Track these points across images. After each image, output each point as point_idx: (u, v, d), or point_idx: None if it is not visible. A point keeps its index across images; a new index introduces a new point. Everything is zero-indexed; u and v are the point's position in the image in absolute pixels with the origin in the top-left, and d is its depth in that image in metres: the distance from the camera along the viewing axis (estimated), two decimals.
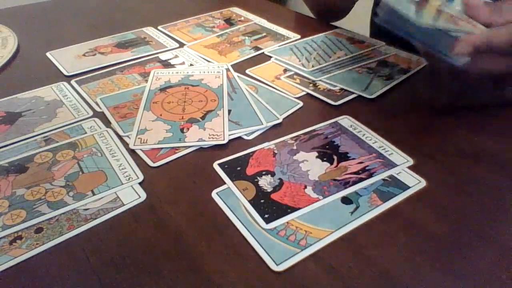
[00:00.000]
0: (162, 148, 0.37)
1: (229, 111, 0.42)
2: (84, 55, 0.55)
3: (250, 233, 0.29)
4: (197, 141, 0.37)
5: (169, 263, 0.27)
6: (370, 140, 0.37)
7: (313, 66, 0.50)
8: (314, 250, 0.28)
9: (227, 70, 0.49)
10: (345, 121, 0.40)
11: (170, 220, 0.30)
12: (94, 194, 0.32)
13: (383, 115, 0.42)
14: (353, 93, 0.45)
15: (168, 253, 0.28)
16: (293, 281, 0.26)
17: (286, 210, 0.30)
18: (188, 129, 0.39)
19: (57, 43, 0.58)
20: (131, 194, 0.32)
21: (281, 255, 0.27)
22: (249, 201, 0.31)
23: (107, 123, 0.41)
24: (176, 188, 0.33)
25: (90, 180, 0.33)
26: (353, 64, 0.50)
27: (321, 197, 0.31)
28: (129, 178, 0.34)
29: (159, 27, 0.63)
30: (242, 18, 0.65)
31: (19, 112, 0.43)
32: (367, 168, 0.34)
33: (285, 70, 0.50)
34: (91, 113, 0.43)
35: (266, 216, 0.30)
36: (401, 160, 0.35)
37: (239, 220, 0.30)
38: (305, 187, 0.32)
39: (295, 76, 0.48)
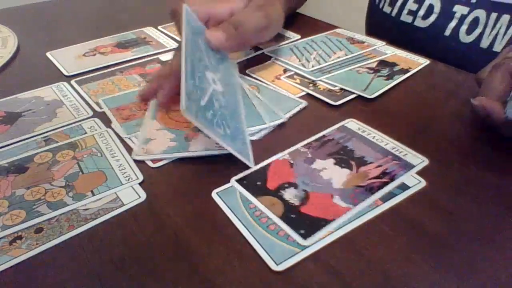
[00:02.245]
0: (166, 158, 0.36)
1: None
2: (84, 55, 0.55)
3: (250, 233, 0.29)
4: (202, 150, 0.36)
5: (169, 263, 0.27)
6: (382, 142, 0.37)
7: (313, 66, 0.50)
8: (314, 250, 0.28)
9: None
10: (352, 124, 0.40)
11: (170, 220, 0.30)
12: (94, 195, 0.32)
13: (383, 115, 0.42)
14: (353, 93, 0.45)
15: (168, 253, 0.28)
16: (293, 281, 0.26)
17: (320, 223, 0.29)
18: (193, 137, 0.38)
19: (57, 43, 0.58)
20: (131, 194, 0.32)
21: (281, 255, 0.27)
22: (280, 218, 0.30)
23: (107, 123, 0.41)
24: (176, 188, 0.33)
25: (90, 180, 0.33)
26: (353, 64, 0.50)
27: (351, 206, 0.31)
28: (129, 179, 0.34)
29: (159, 27, 0.63)
30: None
31: (19, 112, 0.43)
32: (387, 171, 0.34)
33: (285, 70, 0.50)
34: (91, 113, 0.43)
35: (302, 231, 0.29)
36: (417, 160, 0.35)
37: (239, 220, 0.30)
38: (332, 196, 0.32)
39: (295, 76, 0.48)
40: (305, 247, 0.28)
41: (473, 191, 0.32)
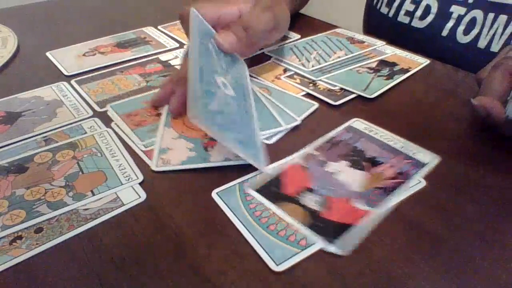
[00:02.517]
0: (186, 169, 0.35)
1: None
2: (84, 55, 0.55)
3: (250, 233, 0.29)
4: (223, 161, 0.35)
5: (169, 263, 0.27)
6: (390, 141, 0.37)
7: (313, 66, 0.50)
8: (314, 250, 0.28)
9: None
10: (358, 123, 0.40)
11: (170, 220, 0.30)
12: (94, 195, 0.32)
13: (383, 115, 0.41)
14: (353, 93, 0.45)
15: (168, 253, 0.28)
16: (293, 281, 0.26)
17: (346, 229, 0.29)
18: (212, 147, 0.36)
19: (57, 43, 0.58)
20: (131, 194, 0.32)
21: (281, 255, 0.27)
22: (304, 225, 0.29)
23: (107, 123, 0.41)
24: (176, 188, 0.33)
25: (90, 180, 0.33)
26: (353, 64, 0.50)
27: (372, 209, 0.30)
28: (129, 179, 0.34)
29: (159, 27, 0.63)
30: None
31: (19, 112, 0.43)
32: (400, 171, 0.34)
33: (285, 70, 0.50)
34: (91, 113, 0.43)
35: (330, 239, 0.28)
36: (428, 158, 0.35)
37: (239, 220, 0.30)
38: (351, 200, 0.31)
39: (295, 76, 0.48)
40: (303, 247, 0.28)
41: (473, 191, 0.32)
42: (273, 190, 0.32)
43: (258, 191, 0.32)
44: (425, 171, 0.34)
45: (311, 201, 0.31)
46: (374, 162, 0.35)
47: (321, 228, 0.29)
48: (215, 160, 0.35)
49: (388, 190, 0.32)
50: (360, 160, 0.35)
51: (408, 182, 0.32)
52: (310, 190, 0.32)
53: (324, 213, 0.30)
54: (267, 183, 0.33)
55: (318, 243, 0.28)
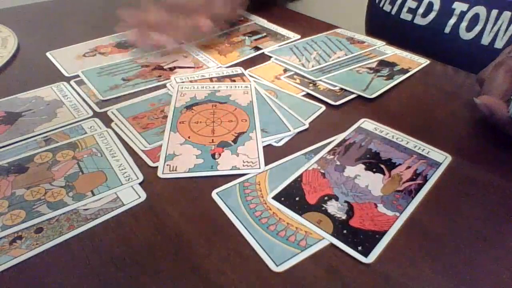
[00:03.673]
0: (194, 176, 0.34)
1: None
2: (84, 55, 0.55)
3: (250, 233, 0.29)
4: (230, 169, 0.34)
5: (169, 263, 0.27)
6: (402, 141, 0.37)
7: (313, 66, 0.50)
8: (314, 251, 0.28)
9: (242, 75, 0.48)
10: (367, 124, 0.40)
11: (170, 220, 0.30)
12: (94, 195, 0.32)
13: (383, 115, 0.41)
14: (353, 93, 0.45)
15: (168, 253, 0.28)
16: (293, 281, 0.26)
17: (374, 236, 0.28)
18: (220, 154, 0.36)
19: (57, 43, 0.58)
20: (131, 194, 0.32)
21: (281, 256, 0.27)
22: (332, 235, 0.28)
23: (107, 123, 0.41)
24: (176, 188, 0.33)
25: (90, 181, 0.33)
26: (353, 64, 0.50)
27: (398, 214, 0.30)
28: (129, 179, 0.34)
29: None
30: (242, 18, 0.65)
31: (19, 112, 0.43)
32: (417, 171, 0.33)
33: (285, 70, 0.50)
34: (91, 113, 0.42)
35: (361, 248, 0.27)
36: (441, 157, 0.35)
37: (239, 220, 0.30)
38: (376, 205, 0.31)
39: (295, 76, 0.48)
40: (303, 248, 0.28)
41: (475, 192, 0.32)
42: (295, 198, 0.31)
43: (277, 199, 0.31)
44: (441, 170, 0.34)
45: (335, 208, 0.30)
46: (391, 164, 0.34)
47: (350, 237, 0.28)
48: (223, 168, 0.34)
49: (409, 193, 0.32)
50: (377, 162, 0.35)
51: (427, 184, 0.32)
52: (334, 197, 0.31)
53: (351, 221, 0.29)
54: (288, 191, 0.32)
55: (350, 253, 0.27)
